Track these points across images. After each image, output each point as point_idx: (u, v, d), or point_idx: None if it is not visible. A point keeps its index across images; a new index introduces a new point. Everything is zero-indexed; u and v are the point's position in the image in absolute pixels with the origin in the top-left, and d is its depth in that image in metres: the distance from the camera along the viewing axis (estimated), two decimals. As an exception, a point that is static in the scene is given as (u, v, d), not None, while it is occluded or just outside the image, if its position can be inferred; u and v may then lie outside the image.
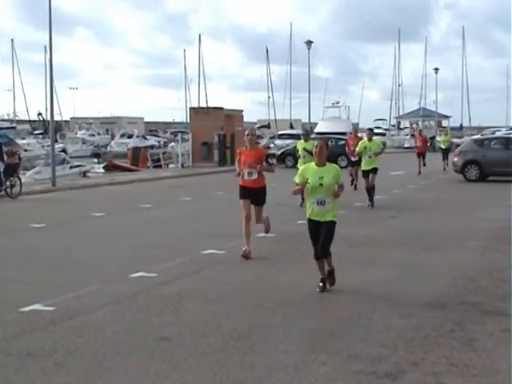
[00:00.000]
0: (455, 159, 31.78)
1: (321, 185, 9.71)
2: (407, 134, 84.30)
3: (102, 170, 46.12)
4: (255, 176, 12.79)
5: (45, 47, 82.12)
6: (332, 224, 9.91)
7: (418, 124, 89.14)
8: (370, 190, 21.32)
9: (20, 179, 26.23)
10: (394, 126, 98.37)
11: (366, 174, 21.73)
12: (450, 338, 7.77)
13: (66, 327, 8.26)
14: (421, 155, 37.42)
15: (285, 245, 14.23)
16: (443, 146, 39.94)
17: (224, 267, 12.03)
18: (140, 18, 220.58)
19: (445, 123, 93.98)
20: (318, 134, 62.10)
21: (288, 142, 58.10)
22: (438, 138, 37.92)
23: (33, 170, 37.73)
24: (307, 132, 22.81)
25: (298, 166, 18.60)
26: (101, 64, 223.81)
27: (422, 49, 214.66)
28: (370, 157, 21.50)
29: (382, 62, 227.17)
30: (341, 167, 34.24)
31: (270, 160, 14.82)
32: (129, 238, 15.41)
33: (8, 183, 25.11)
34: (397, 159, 48.19)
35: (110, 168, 45.14)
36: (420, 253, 13.17)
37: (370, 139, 21.93)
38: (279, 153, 47.16)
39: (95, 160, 58.86)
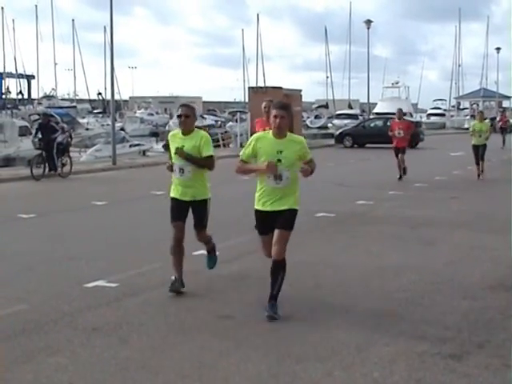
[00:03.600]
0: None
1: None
2: (467, 115, 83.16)
3: (162, 149, 46.35)
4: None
5: (104, 27, 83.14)
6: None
7: (477, 105, 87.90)
8: None
9: (71, 158, 26.20)
10: (453, 106, 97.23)
11: None
12: (516, 321, 7.66)
13: (129, 303, 8.36)
14: (400, 151, 23.33)
15: (344, 225, 14.16)
16: (475, 142, 24.53)
17: (284, 246, 12.01)
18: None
19: (505, 104, 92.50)
20: (377, 114, 61.71)
21: (346, 121, 57.83)
22: (470, 127, 25.14)
23: (93, 148, 38.19)
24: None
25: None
26: (159, 43, 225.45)
27: (482, 28, 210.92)
28: None
29: (442, 42, 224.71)
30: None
31: None
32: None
33: (59, 162, 25.14)
34: (456, 140, 47.55)
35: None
36: (483, 234, 13.00)
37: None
38: (337, 133, 47.04)
39: (153, 139, 59.18)
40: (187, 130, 9.08)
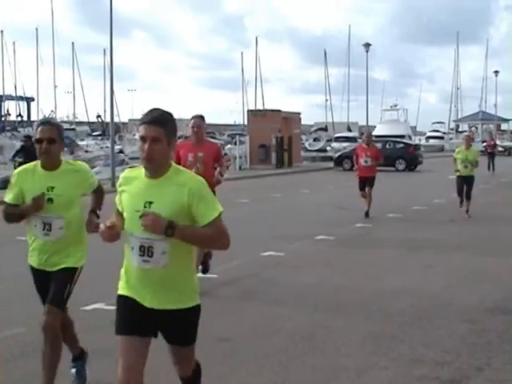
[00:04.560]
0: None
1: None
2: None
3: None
4: None
5: (104, 50, 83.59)
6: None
7: (476, 127, 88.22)
8: None
9: None
10: (452, 129, 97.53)
11: None
12: (515, 345, 7.65)
13: (128, 326, 8.33)
14: (367, 182, 19.69)
15: (343, 248, 14.17)
16: (461, 172, 19.47)
17: (283, 269, 12.02)
18: (197, 20, 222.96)
19: (504, 127, 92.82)
20: (376, 136, 61.98)
21: (345, 144, 57.94)
22: (454, 155, 20.05)
23: (93, 170, 37.88)
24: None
25: None
26: (158, 66, 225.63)
27: (481, 51, 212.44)
28: None
29: (440, 65, 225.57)
30: (397, 170, 33.05)
31: None
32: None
33: None
34: (456, 163, 47.63)
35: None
36: (482, 257, 12.99)
37: None
38: (336, 156, 47.18)
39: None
40: (52, 162, 5.77)
